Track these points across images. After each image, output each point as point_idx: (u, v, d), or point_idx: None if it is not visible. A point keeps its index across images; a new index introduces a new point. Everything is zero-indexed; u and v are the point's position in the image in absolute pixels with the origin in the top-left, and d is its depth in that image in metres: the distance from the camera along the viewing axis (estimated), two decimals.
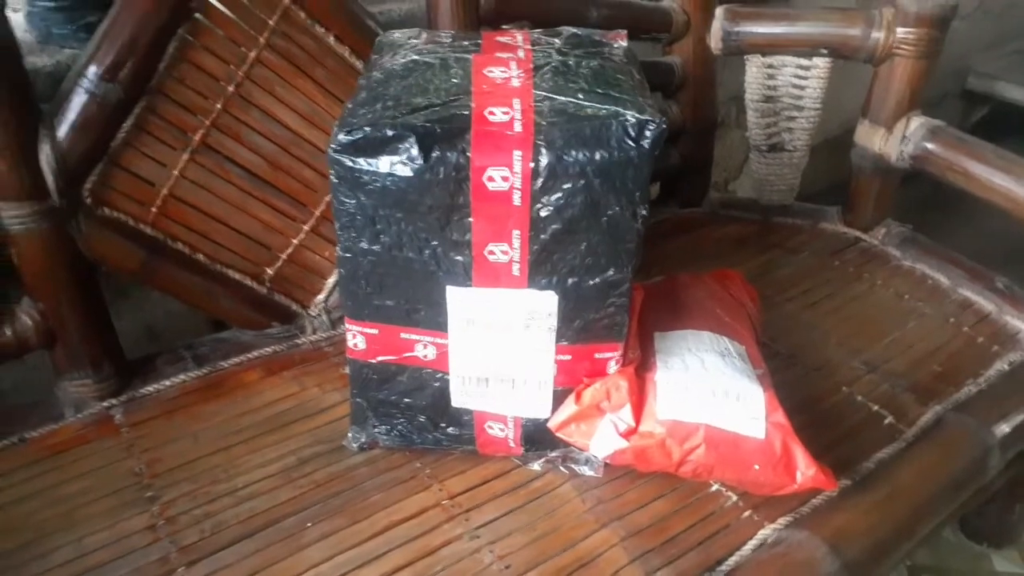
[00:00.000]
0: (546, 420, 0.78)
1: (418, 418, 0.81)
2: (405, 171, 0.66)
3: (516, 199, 0.66)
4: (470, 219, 0.68)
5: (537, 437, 0.80)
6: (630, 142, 0.65)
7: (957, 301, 1.11)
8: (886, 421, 0.90)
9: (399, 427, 0.82)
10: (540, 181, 0.66)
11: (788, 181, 1.28)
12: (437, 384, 0.79)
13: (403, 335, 0.76)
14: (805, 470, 0.74)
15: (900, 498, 0.80)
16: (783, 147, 1.26)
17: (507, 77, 0.71)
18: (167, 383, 0.93)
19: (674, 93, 1.24)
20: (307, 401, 0.92)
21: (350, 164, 0.67)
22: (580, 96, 0.68)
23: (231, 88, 0.88)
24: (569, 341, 0.75)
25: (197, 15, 0.84)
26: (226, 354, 0.97)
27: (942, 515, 0.85)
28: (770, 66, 1.20)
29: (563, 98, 0.68)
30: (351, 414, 0.84)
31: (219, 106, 0.88)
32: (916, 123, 1.14)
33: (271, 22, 0.88)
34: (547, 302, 0.72)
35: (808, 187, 1.30)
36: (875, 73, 1.15)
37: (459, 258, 0.70)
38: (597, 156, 0.65)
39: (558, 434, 0.78)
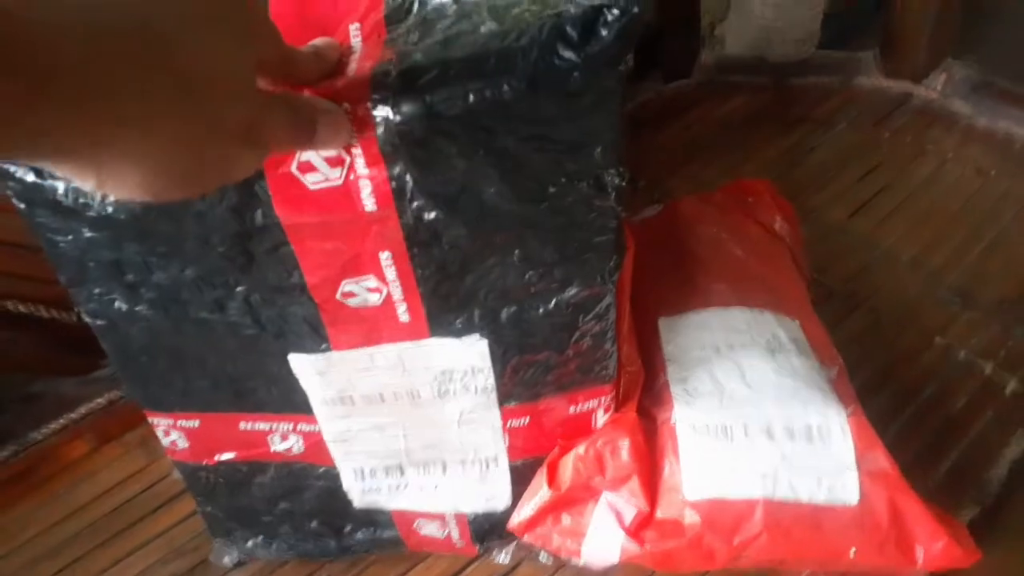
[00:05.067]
0: (505, 511, 0.49)
1: (307, 525, 0.51)
2: None
3: (366, 198, 0.34)
4: (290, 247, 0.35)
5: (496, 528, 0.51)
6: (568, 51, 0.32)
7: None
8: (1008, 389, 0.61)
9: (283, 537, 0.52)
10: (405, 157, 0.33)
11: (805, 25, 0.93)
12: (321, 482, 0.48)
13: (244, 425, 0.45)
14: (929, 543, 0.45)
15: None
16: None
17: None
18: None
19: None
20: (158, 480, 0.62)
21: (32, 178, 0.34)
22: None
23: None
24: (522, 400, 0.44)
25: None
26: (39, 420, 0.66)
27: None
28: None
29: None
30: (207, 525, 0.54)
31: None
32: None
33: None
34: (469, 353, 0.40)
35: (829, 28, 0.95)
36: None
37: (295, 310, 0.38)
38: (506, 91, 0.32)
39: (527, 538, 0.48)
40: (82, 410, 0.67)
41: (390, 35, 0.34)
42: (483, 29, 0.33)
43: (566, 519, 0.48)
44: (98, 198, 0.34)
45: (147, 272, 0.37)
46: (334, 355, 0.40)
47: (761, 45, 0.95)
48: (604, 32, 0.32)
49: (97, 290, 0.38)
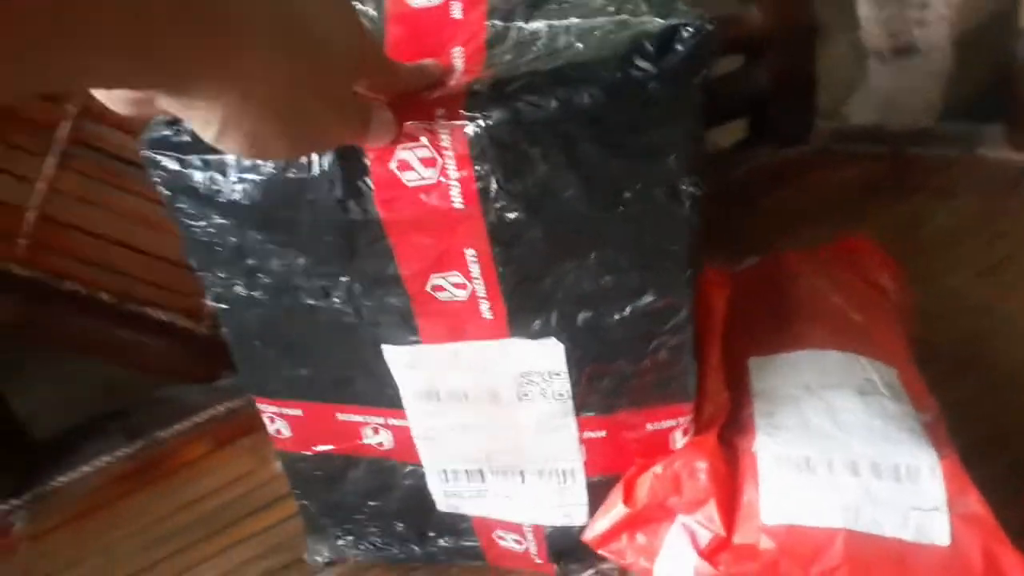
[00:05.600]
0: (581, 528, 0.49)
1: (394, 526, 0.54)
2: (260, 170, 0.38)
3: (455, 196, 0.37)
4: (388, 240, 0.39)
5: (573, 549, 0.51)
6: (645, 63, 0.35)
7: None
8: None
9: (371, 538, 0.55)
10: (491, 159, 0.36)
11: (925, 96, 0.92)
12: (409, 481, 0.51)
13: (340, 416, 0.48)
14: None
15: None
16: (914, 48, 0.90)
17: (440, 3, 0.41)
18: (86, 469, 0.70)
19: None
20: (265, 483, 0.67)
21: (175, 166, 0.39)
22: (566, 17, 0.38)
23: None
24: (599, 411, 0.45)
25: None
26: (165, 421, 0.73)
27: None
28: None
29: (532, 25, 0.38)
30: (303, 522, 0.57)
31: None
32: None
33: None
34: (547, 355, 0.42)
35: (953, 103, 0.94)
36: None
37: (391, 300, 0.42)
38: (586, 99, 0.35)
39: (601, 551, 0.49)
40: (204, 416, 0.72)
41: (489, 56, 0.38)
42: (571, 48, 0.36)
43: (640, 537, 0.48)
44: (220, 161, 0.38)
45: (265, 258, 0.41)
46: (423, 348, 0.43)
47: (879, 114, 0.95)
48: (680, 47, 0.35)
49: (222, 274, 0.43)
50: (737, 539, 0.46)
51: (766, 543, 0.45)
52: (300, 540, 0.60)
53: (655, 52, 0.35)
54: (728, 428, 0.50)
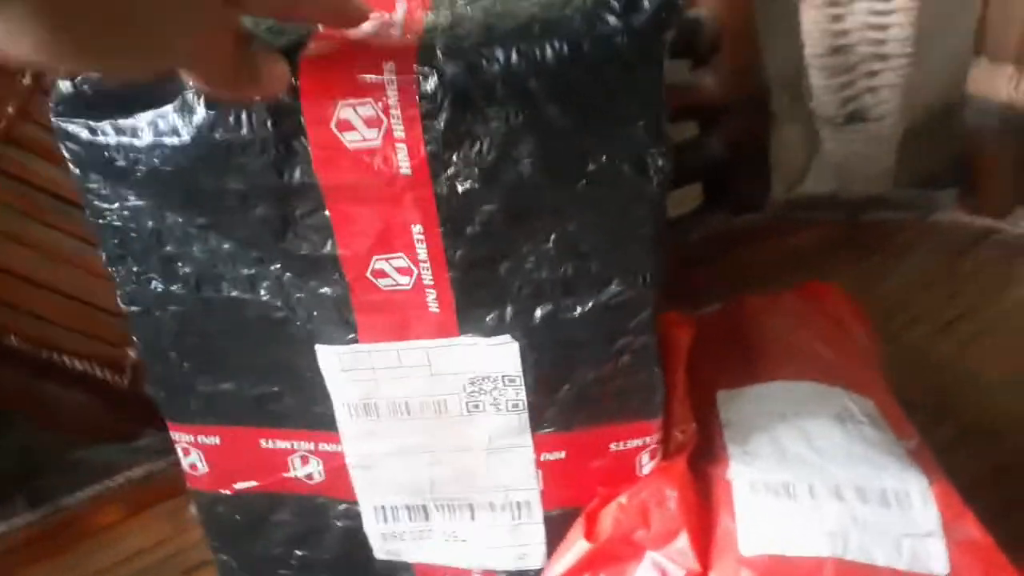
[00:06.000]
0: (538, 572, 0.44)
1: None
2: (181, 132, 0.34)
3: (402, 160, 0.34)
4: (325, 213, 0.35)
5: None
6: (611, 18, 0.32)
7: None
8: None
9: None
10: (444, 118, 0.33)
11: (880, 162, 0.93)
12: (342, 523, 0.45)
13: (264, 442, 0.43)
14: None
15: None
16: (866, 115, 0.90)
17: None
18: None
19: (705, 58, 0.91)
20: (183, 550, 0.59)
21: (85, 135, 0.35)
22: None
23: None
24: (558, 427, 0.41)
25: None
26: (75, 485, 0.65)
27: None
28: (835, 4, 0.86)
29: None
30: None
31: (10, 110, 0.58)
32: None
33: None
34: (500, 357, 0.38)
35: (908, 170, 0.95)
36: None
37: (326, 291, 0.37)
38: (549, 54, 0.32)
39: None
40: (119, 479, 0.65)
41: (436, 4, 0.35)
42: (530, 1, 0.34)
43: None
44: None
45: (185, 244, 0.37)
46: (361, 348, 0.38)
47: (834, 182, 0.95)
48: (647, 4, 0.33)
49: (136, 267, 0.38)
50: (714, 572, 0.41)
51: None
52: None
53: (621, 8, 0.33)
54: (698, 458, 0.45)
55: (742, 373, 0.52)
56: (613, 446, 0.41)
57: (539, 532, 0.43)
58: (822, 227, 0.93)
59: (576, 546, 0.42)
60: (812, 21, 0.87)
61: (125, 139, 0.35)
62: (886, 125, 0.90)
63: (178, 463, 0.66)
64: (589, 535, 0.42)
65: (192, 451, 0.44)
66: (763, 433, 0.46)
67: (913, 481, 0.42)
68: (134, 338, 0.41)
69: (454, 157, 0.33)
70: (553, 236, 0.36)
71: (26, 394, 0.63)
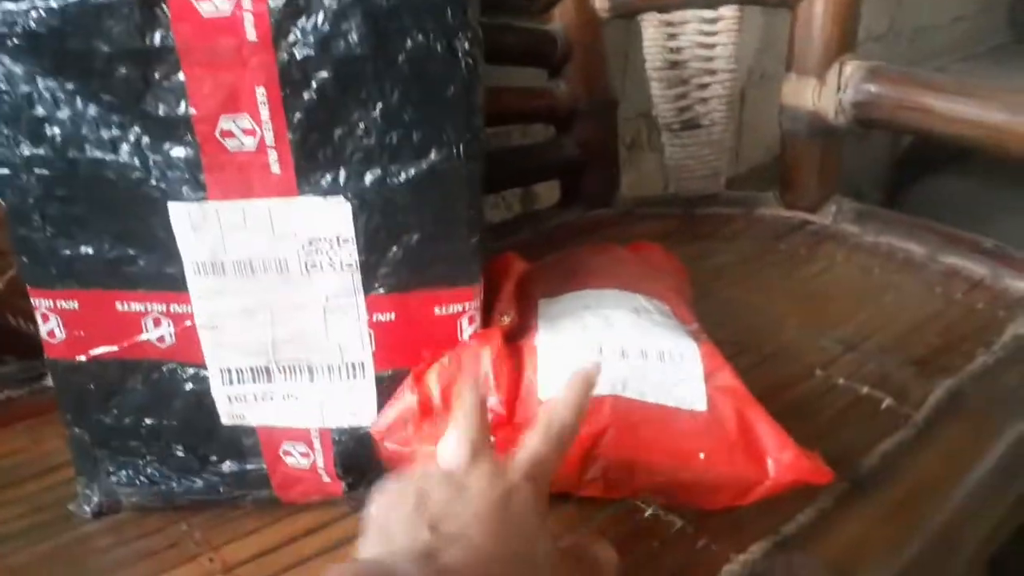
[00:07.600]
0: (370, 437, 0.49)
1: (173, 451, 0.51)
2: None
3: (249, 28, 0.40)
4: (180, 75, 0.41)
5: (361, 460, 0.51)
6: None
7: (939, 270, 0.86)
8: (884, 404, 0.63)
9: (148, 471, 0.52)
10: None
11: (711, 164, 1.05)
12: (190, 387, 0.49)
13: (120, 305, 0.47)
14: (778, 454, 0.47)
15: (927, 498, 0.53)
16: (698, 122, 1.03)
17: None
18: None
19: (559, 68, 1.02)
20: (37, 458, 0.61)
21: None
22: None
23: None
24: (387, 287, 0.47)
25: None
26: None
27: (991, 520, 0.57)
28: (669, 23, 0.99)
29: None
30: (73, 458, 0.53)
31: None
32: (851, 67, 0.93)
33: None
34: (335, 217, 0.45)
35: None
36: (794, 16, 0.95)
37: (177, 151, 0.43)
38: None
39: (387, 444, 0.49)
40: None
41: None
42: None
43: (426, 427, 0.48)
44: None
45: (55, 108, 0.42)
46: (210, 205, 0.44)
47: (672, 183, 1.07)
48: None
49: (6, 131, 0.43)
50: (518, 418, 0.48)
51: None
52: (69, 499, 0.55)
53: None
54: (515, 338, 0.53)
55: (562, 286, 0.60)
56: (437, 309, 0.48)
57: (371, 392, 0.49)
58: (662, 220, 1.04)
59: (403, 399, 0.49)
60: (651, 39, 1.00)
61: (4, 3, 0.40)
62: (716, 131, 1.02)
63: (39, 390, 0.69)
64: (414, 389, 0.49)
65: (51, 316, 0.48)
66: (569, 317, 0.54)
67: (685, 344, 0.50)
68: (1, 201, 0.45)
69: (294, 27, 0.40)
70: (380, 105, 0.43)
71: None
